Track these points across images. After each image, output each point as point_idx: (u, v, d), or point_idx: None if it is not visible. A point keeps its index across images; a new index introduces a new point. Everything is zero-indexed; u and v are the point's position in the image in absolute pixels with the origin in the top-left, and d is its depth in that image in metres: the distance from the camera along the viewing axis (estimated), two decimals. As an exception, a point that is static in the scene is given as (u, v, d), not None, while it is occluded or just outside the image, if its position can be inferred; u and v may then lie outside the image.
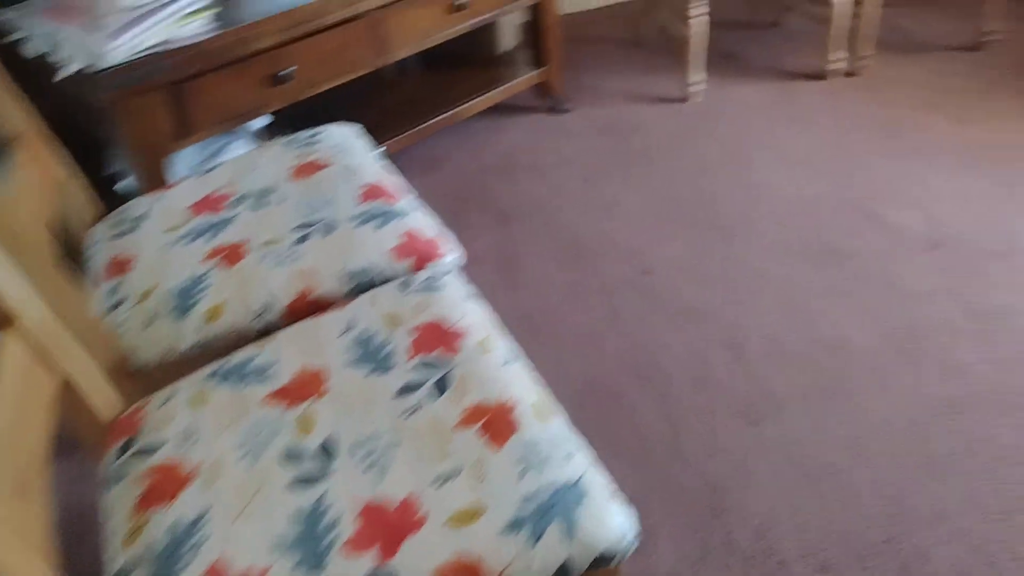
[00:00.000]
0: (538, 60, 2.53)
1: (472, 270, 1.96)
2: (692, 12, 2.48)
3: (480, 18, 2.23)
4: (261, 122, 2.15)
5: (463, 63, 2.61)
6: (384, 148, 2.19)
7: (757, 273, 1.87)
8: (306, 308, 1.15)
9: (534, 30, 2.48)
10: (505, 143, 2.48)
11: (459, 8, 2.15)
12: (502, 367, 0.96)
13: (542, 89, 2.59)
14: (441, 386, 0.94)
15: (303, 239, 1.22)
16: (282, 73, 1.87)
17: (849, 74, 2.68)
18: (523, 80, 2.50)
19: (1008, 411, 1.49)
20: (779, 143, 2.35)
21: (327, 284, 1.16)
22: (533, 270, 1.95)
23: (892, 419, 1.50)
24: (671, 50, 2.93)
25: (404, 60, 2.52)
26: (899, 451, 1.44)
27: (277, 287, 1.16)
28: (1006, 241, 1.89)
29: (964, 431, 1.47)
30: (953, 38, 2.84)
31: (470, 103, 2.40)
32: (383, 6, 1.99)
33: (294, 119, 2.15)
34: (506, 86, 2.47)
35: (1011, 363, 1.59)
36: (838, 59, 2.64)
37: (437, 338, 1.01)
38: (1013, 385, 1.54)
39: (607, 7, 3.38)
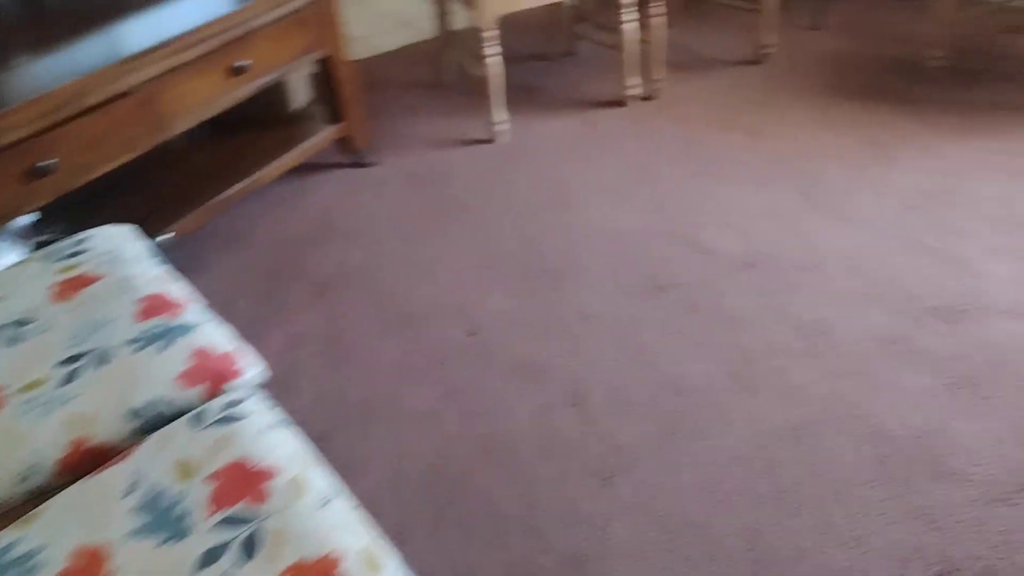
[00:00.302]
0: (335, 114, 2.40)
1: (291, 356, 1.80)
2: (486, 52, 2.43)
3: (263, 79, 2.08)
4: (26, 219, 1.90)
5: (255, 126, 2.44)
6: (172, 234, 1.99)
7: (588, 317, 1.82)
8: (83, 462, 0.97)
9: (327, 83, 2.36)
10: (313, 206, 2.34)
11: (238, 72, 1.99)
12: (320, 510, 0.84)
13: (345, 144, 2.46)
14: (250, 547, 0.80)
15: (72, 376, 1.04)
16: (42, 165, 1.66)
17: (646, 98, 2.72)
18: (321, 137, 2.37)
19: (845, 429, 1.51)
20: (590, 175, 2.34)
21: (106, 429, 0.99)
22: (358, 346, 1.82)
23: (741, 454, 1.48)
24: (472, 89, 2.88)
25: (190, 130, 2.33)
26: (752, 488, 1.42)
27: (43, 442, 0.97)
28: (812, 252, 1.94)
29: (808, 457, 1.47)
30: (735, 53, 2.95)
31: (268, 168, 2.24)
32: (153, 79, 1.81)
33: (67, 210, 1.92)
34: (303, 146, 2.32)
35: (840, 377, 1.61)
36: (634, 84, 2.67)
37: (241, 484, 0.86)
38: (845, 400, 1.56)
39: (402, 49, 3.29)
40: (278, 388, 1.63)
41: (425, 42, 3.31)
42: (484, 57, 2.44)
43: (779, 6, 2.95)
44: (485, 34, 2.40)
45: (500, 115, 2.55)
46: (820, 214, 2.07)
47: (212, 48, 1.91)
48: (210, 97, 1.96)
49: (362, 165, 2.50)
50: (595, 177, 2.32)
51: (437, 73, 3.00)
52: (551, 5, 2.67)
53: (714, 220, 2.09)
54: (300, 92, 2.53)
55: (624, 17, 2.56)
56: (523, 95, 2.82)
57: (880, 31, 3.01)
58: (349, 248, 2.14)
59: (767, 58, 2.88)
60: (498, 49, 2.44)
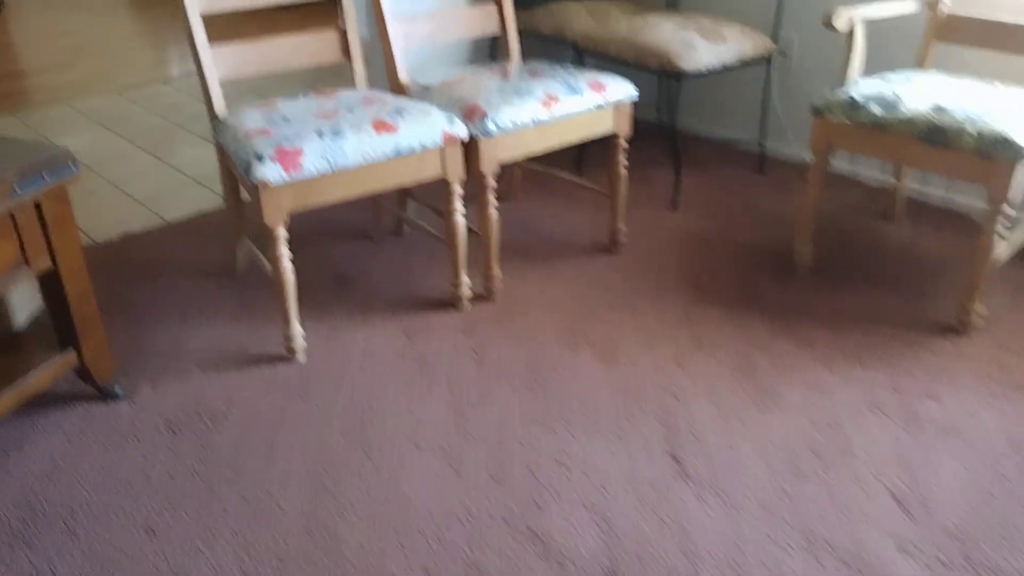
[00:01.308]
0: (68, 338, 1.80)
1: None
2: (277, 255, 1.92)
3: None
4: None
5: (-47, 352, 1.81)
6: None
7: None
8: None
9: (56, 297, 1.77)
10: (27, 469, 1.70)
11: None
12: None
13: (83, 373, 1.86)
14: None
15: None
16: None
17: (482, 296, 2.28)
18: (46, 370, 1.76)
19: None
20: (411, 418, 1.83)
21: None
22: None
23: None
24: (270, 282, 2.35)
25: None
26: None
27: None
28: (688, 549, 1.50)
29: None
30: (585, 237, 2.58)
31: (-44, 424, 1.61)
32: None
33: None
34: (18, 384, 1.71)
35: None
36: (466, 284, 2.23)
37: None
38: None
39: (197, 217, 2.73)
40: None
41: (216, 212, 2.78)
42: (275, 260, 1.93)
43: (631, 191, 2.62)
44: (276, 232, 1.90)
45: (296, 328, 2.02)
46: (694, 486, 1.63)
47: None
48: None
49: (105, 398, 1.90)
50: (417, 420, 1.82)
51: (232, 256, 2.46)
52: (366, 187, 2.20)
53: (566, 496, 1.61)
54: (21, 310, 1.92)
55: (452, 208, 2.12)
56: (334, 291, 2.32)
57: (740, 212, 2.72)
58: (63, 551, 1.52)
59: (620, 247, 2.51)
60: (289, 255, 1.93)
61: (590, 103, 2.21)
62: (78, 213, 2.79)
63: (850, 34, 2.22)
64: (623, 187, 2.43)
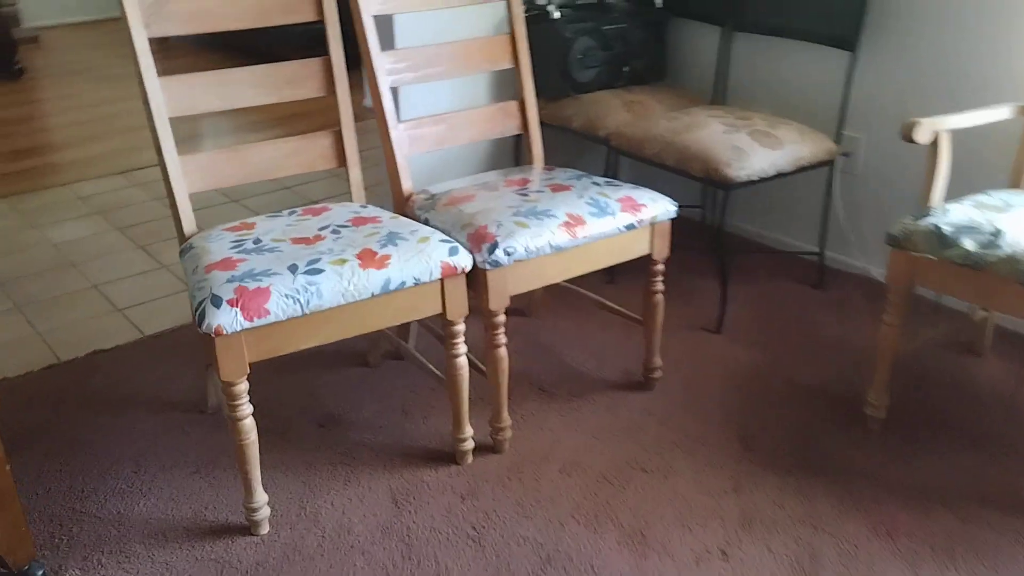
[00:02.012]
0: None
1: None
2: (236, 413, 1.59)
3: None
4: None
5: None
6: None
7: None
8: None
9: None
10: None
11: None
12: None
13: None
14: None
15: None
16: None
17: (489, 447, 1.92)
18: (-56, 560, 1.44)
19: None
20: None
21: None
22: None
23: None
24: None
25: None
26: None
27: None
28: None
29: None
30: (615, 369, 2.21)
31: None
32: None
33: None
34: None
35: None
36: (468, 436, 1.87)
37: None
38: None
39: (168, 334, 2.40)
40: None
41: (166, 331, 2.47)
42: (232, 422, 1.60)
43: (669, 304, 2.27)
44: (234, 388, 1.57)
45: (259, 498, 1.68)
46: None
47: None
48: None
49: (26, 585, 1.57)
50: (392, 630, 1.46)
51: (202, 391, 2.14)
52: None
53: None
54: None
55: (453, 349, 1.78)
56: (317, 434, 1.98)
57: (796, 338, 2.34)
58: None
59: (655, 382, 2.14)
60: (249, 409, 1.60)
61: (621, 224, 1.87)
62: (49, 324, 2.50)
63: (933, 145, 1.87)
64: (659, 315, 2.07)
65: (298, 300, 1.55)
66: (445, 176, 2.69)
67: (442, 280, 1.71)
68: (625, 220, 1.88)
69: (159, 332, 2.45)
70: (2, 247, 3.02)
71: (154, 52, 1.76)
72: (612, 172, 2.64)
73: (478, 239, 1.76)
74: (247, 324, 1.51)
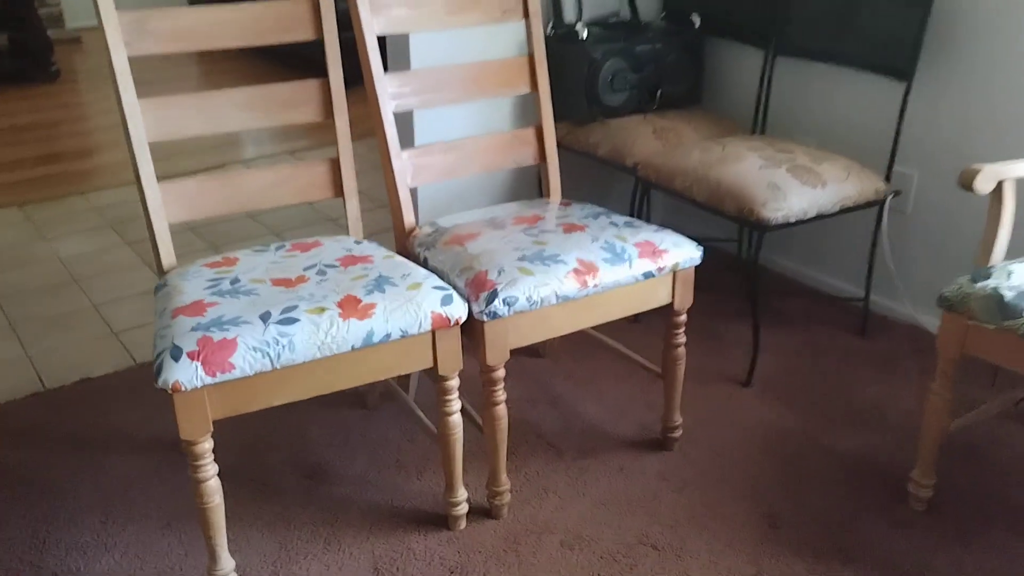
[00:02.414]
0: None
1: None
2: (199, 477, 1.44)
3: None
4: None
5: None
6: None
7: None
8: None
9: None
10: None
11: None
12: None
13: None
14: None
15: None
16: None
17: (486, 511, 1.75)
18: None
19: None
20: None
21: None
22: None
23: None
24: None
25: None
26: None
27: None
28: None
29: None
30: (630, 425, 2.02)
31: None
32: None
33: None
34: None
35: None
36: (463, 500, 1.70)
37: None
38: None
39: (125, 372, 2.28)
40: None
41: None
42: (195, 484, 1.45)
43: (694, 349, 2.07)
44: (195, 448, 1.42)
45: (224, 565, 1.52)
46: None
47: None
48: None
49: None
50: None
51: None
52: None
53: None
54: None
55: (446, 406, 1.62)
56: (302, 488, 1.82)
57: (834, 397, 2.13)
58: None
59: (674, 443, 1.95)
60: (214, 470, 1.45)
61: (639, 272, 1.69)
62: (41, 347, 2.39)
63: (995, 195, 1.65)
64: (681, 370, 1.88)
65: (267, 354, 1.39)
66: (461, 205, 2.54)
67: (433, 332, 1.54)
68: (643, 268, 1.69)
69: (150, 360, 2.32)
70: (9, 260, 2.93)
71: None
72: (640, 203, 2.46)
73: (477, 286, 1.59)
74: (209, 380, 1.36)
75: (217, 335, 1.39)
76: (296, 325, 1.42)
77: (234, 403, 1.42)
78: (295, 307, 1.46)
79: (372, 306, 1.48)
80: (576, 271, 1.63)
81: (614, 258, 1.68)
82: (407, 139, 2.44)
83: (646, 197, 2.47)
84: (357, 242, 1.78)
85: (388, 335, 1.48)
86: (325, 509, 1.77)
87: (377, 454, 1.94)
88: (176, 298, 1.53)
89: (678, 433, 1.94)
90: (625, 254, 1.69)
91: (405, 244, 1.88)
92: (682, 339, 1.85)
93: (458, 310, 1.54)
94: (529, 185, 2.68)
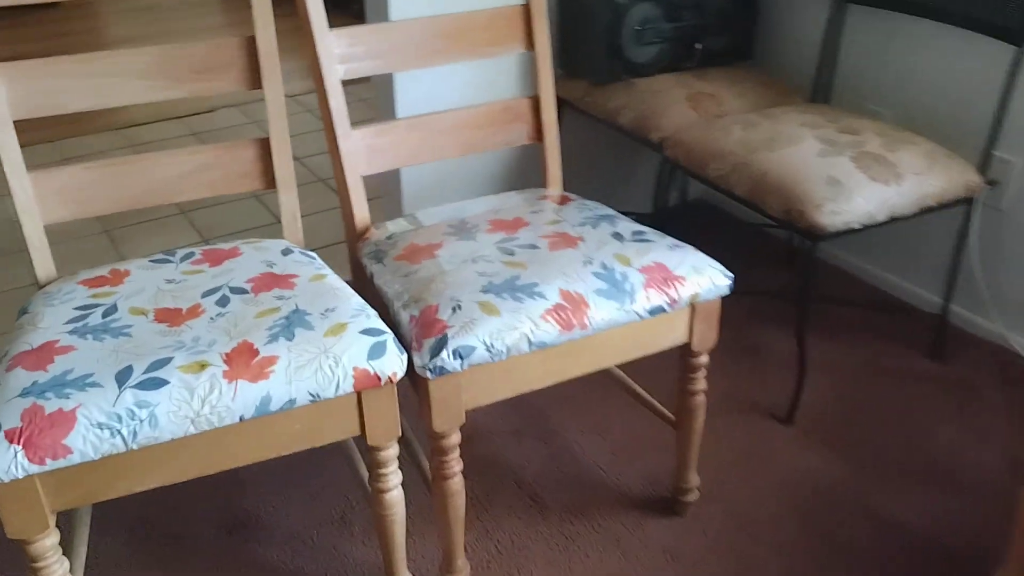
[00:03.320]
0: None
1: None
2: (40, 579, 1.10)
3: None
4: None
5: None
6: None
7: None
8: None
9: None
10: None
11: None
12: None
13: None
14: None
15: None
16: None
17: (442, 597, 1.39)
18: None
19: None
20: None
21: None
22: None
23: None
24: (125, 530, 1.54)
25: None
26: None
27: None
28: None
29: None
30: (639, 473, 1.63)
31: None
32: None
33: None
34: None
35: None
36: (410, 588, 1.35)
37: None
38: None
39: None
40: None
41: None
42: (36, 585, 1.11)
43: (725, 365, 1.66)
44: (32, 547, 1.08)
45: None
46: None
47: None
48: None
49: None
50: None
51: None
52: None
53: None
54: None
55: (380, 482, 1.24)
56: (218, 544, 1.47)
57: (898, 443, 1.70)
58: None
59: (687, 508, 1.56)
60: (63, 567, 1.11)
61: (643, 309, 1.28)
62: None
63: None
64: (699, 422, 1.47)
65: (118, 432, 1.03)
66: (455, 192, 2.13)
67: (358, 393, 1.16)
68: (649, 302, 1.28)
69: None
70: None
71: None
72: (667, 185, 2.01)
73: (422, 328, 1.20)
74: (35, 468, 1.01)
75: (51, 404, 1.03)
76: (162, 391, 1.05)
77: (80, 493, 1.06)
78: (168, 361, 1.09)
79: (271, 360, 1.10)
80: (558, 308, 1.22)
81: (611, 289, 1.26)
82: (388, 110, 2.03)
83: (675, 174, 2.03)
84: (287, 251, 1.40)
85: (292, 400, 1.10)
86: (240, 571, 1.43)
87: (317, 506, 1.58)
88: (26, 336, 1.17)
89: (692, 497, 1.55)
90: (626, 283, 1.27)
91: (355, 249, 1.49)
92: (701, 385, 1.44)
93: (391, 364, 1.15)
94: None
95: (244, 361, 1.10)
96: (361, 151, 1.48)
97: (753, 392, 1.85)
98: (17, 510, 1.04)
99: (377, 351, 1.14)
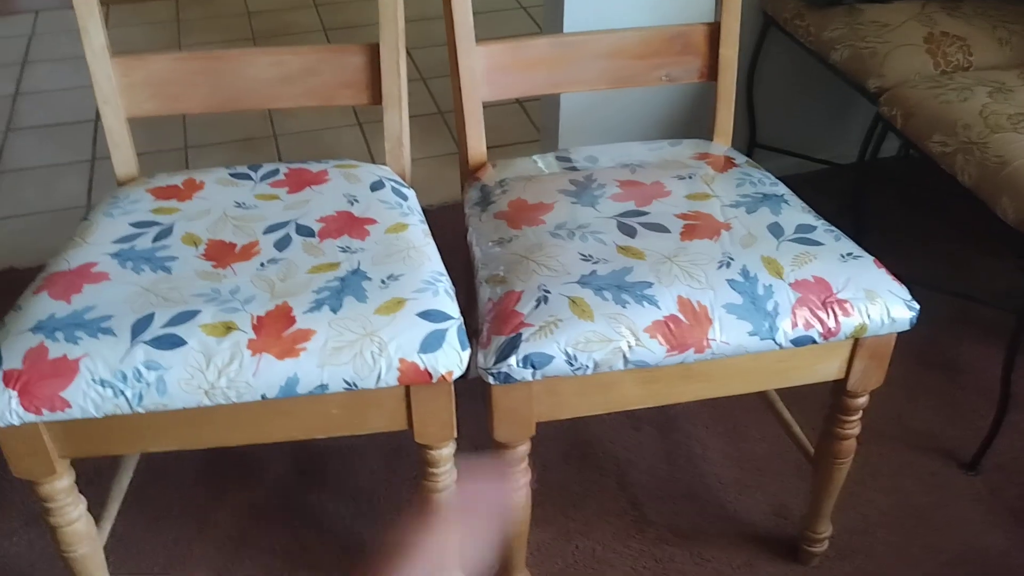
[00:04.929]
0: None
1: None
2: (55, 520, 1.02)
3: None
4: None
5: None
6: None
7: None
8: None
9: None
10: None
11: None
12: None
13: None
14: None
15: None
16: None
17: (496, 602, 1.22)
18: None
19: None
20: None
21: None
22: None
23: None
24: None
25: None
26: None
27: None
28: None
29: None
30: (764, 503, 1.35)
31: None
32: None
33: None
34: None
35: None
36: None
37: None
38: None
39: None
40: None
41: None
42: (52, 527, 1.03)
43: (887, 416, 1.34)
44: (41, 488, 0.99)
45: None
46: None
47: None
48: None
49: None
50: None
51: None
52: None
53: None
54: None
55: (433, 480, 1.06)
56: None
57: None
58: None
59: (813, 558, 1.28)
60: (77, 511, 1.02)
61: (784, 339, 0.98)
62: None
63: None
64: (842, 471, 1.17)
65: (122, 392, 0.90)
66: (612, 130, 1.83)
67: (407, 388, 0.96)
68: (795, 331, 0.98)
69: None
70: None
71: None
72: (876, 149, 1.61)
73: (497, 318, 0.97)
74: (31, 417, 0.90)
75: (57, 347, 0.90)
76: (176, 352, 0.90)
77: (86, 445, 0.95)
78: (194, 315, 0.93)
79: (306, 335, 0.92)
80: (670, 321, 0.95)
81: (747, 305, 0.97)
82: (555, 23, 1.74)
83: (885, 136, 1.62)
84: (377, 185, 1.19)
85: (323, 386, 0.93)
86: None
87: (396, 462, 1.44)
88: (71, 251, 1.06)
89: (821, 548, 1.26)
90: (769, 301, 0.98)
91: (465, 188, 1.27)
92: (853, 429, 1.13)
93: (447, 361, 0.94)
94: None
95: (276, 330, 0.92)
96: (484, 71, 1.23)
97: (933, 422, 1.50)
98: (21, 453, 0.94)
99: (433, 342, 0.93)
